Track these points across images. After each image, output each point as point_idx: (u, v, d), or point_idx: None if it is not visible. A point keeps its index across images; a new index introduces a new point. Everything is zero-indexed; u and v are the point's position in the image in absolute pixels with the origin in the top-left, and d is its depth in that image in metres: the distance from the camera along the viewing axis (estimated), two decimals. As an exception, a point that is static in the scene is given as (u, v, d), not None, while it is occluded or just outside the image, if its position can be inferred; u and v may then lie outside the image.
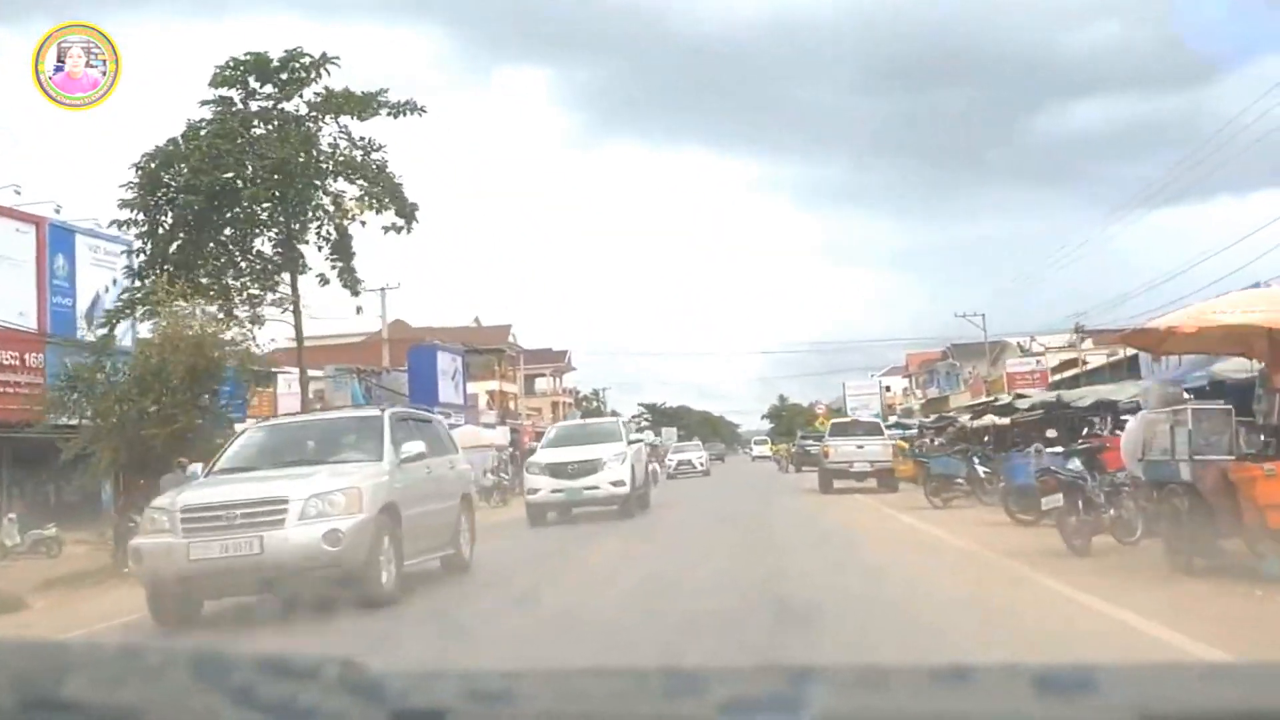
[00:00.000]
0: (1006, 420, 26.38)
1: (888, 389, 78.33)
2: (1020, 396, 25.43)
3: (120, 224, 16.54)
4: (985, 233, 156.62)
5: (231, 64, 16.40)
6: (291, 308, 17.26)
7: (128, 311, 16.75)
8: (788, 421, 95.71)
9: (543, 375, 70.65)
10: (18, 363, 20.96)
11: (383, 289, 41.38)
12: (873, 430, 25.59)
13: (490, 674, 1.14)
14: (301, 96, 16.72)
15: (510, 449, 44.19)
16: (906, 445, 26.85)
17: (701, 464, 45.21)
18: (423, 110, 16.91)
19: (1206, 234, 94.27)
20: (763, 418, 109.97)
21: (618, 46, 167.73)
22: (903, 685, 1.14)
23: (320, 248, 17.29)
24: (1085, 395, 20.86)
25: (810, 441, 42.74)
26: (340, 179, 17.07)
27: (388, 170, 17.11)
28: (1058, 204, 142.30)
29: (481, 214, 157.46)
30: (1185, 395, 10.84)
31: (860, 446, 23.62)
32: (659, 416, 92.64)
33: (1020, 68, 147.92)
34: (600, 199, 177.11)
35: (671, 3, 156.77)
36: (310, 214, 16.97)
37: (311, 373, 38.74)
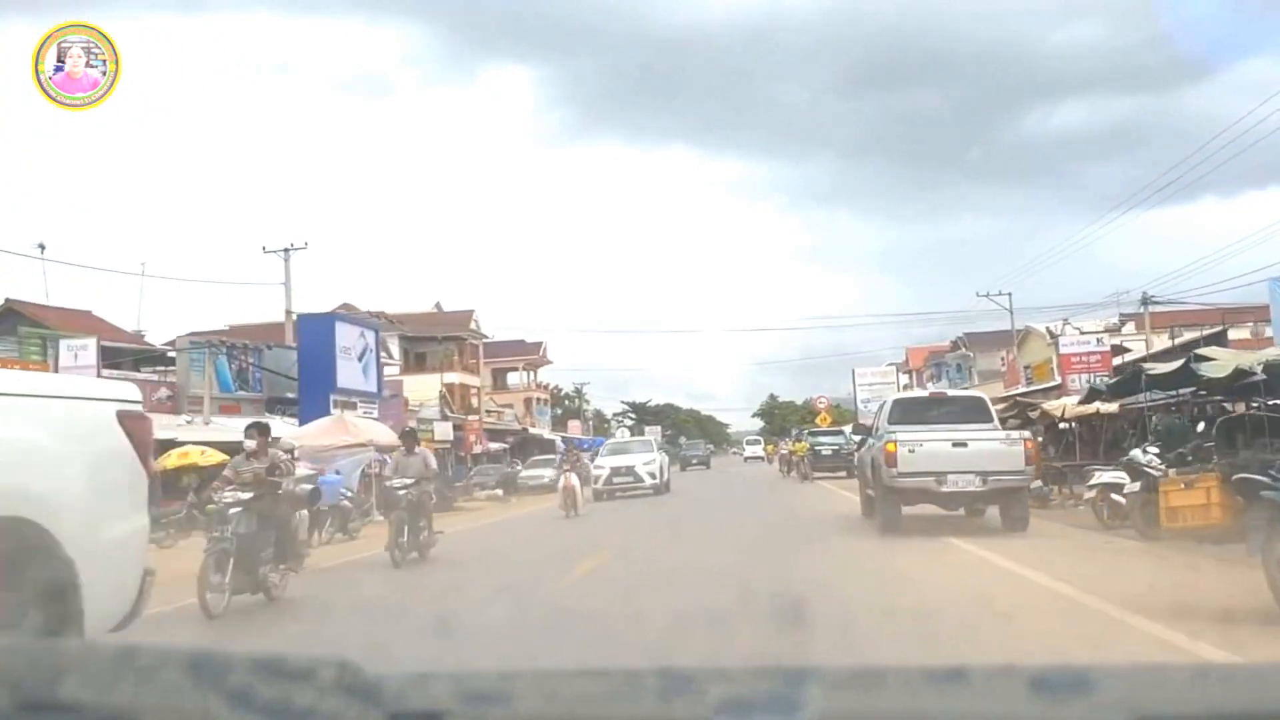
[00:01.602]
0: (1114, 407, 19.85)
1: (884, 388, 77.90)
2: (1200, 358, 15.32)
3: None
4: (973, 233, 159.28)
5: None
6: None
7: None
8: (780, 420, 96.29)
9: (515, 369, 69.87)
10: None
11: (286, 250, 35.51)
12: (976, 411, 15.64)
13: (486, 675, 1.21)
14: None
15: (451, 451, 40.94)
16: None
17: (652, 475, 29.88)
18: None
19: (1192, 235, 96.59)
20: (753, 415, 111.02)
21: (601, 45, 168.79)
22: (899, 685, 1.20)
23: None
24: None
25: (824, 441, 37.87)
26: None
27: None
28: (1044, 203, 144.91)
29: (468, 211, 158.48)
30: None
31: (961, 445, 14.02)
32: (645, 415, 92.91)
33: (1004, 67, 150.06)
34: (586, 196, 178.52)
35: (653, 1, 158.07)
36: None
37: (160, 346, 33.37)
